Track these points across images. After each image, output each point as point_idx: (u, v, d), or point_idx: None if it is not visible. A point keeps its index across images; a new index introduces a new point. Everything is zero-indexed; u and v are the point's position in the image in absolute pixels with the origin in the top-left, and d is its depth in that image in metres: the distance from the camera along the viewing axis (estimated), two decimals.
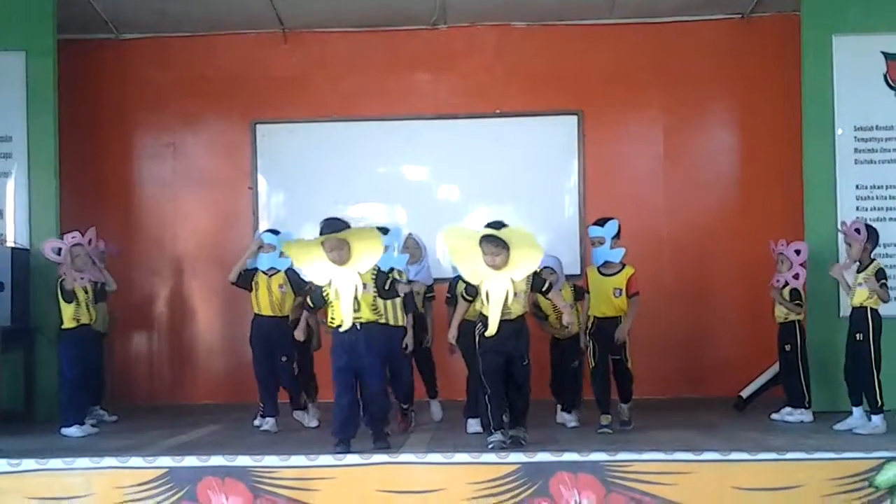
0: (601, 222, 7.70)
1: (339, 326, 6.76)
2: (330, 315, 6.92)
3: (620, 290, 7.59)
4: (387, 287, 6.89)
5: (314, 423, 8.18)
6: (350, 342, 6.79)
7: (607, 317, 7.64)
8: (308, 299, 7.06)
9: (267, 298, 8.13)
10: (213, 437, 7.85)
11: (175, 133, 10.82)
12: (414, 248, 8.32)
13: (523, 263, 6.62)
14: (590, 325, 7.75)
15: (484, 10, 10.35)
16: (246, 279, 8.19)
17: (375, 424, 6.92)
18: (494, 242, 6.60)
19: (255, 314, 8.23)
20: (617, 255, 7.60)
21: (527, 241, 6.60)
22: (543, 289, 6.94)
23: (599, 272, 7.70)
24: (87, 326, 8.10)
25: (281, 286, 8.13)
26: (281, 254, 8.05)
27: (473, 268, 6.70)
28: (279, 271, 8.14)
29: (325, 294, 6.82)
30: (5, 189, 9.20)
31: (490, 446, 6.61)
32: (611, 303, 7.62)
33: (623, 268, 7.64)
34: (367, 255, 6.68)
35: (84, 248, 8.11)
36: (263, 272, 8.16)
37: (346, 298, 6.66)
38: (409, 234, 8.44)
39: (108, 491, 6.12)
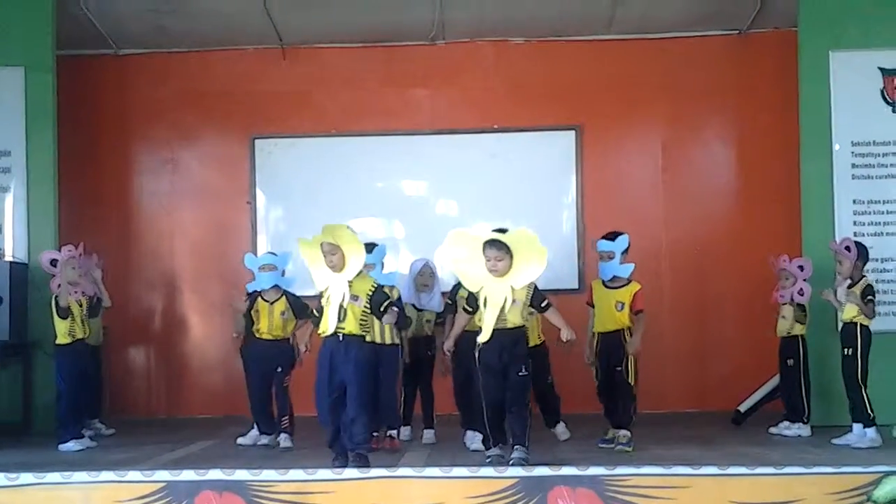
0: (611, 237, 7.61)
1: (327, 335, 6.69)
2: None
3: (623, 304, 7.48)
4: (382, 308, 6.75)
5: (287, 444, 7.95)
6: (330, 353, 6.68)
7: (609, 331, 7.54)
8: (315, 311, 6.99)
9: (267, 324, 8.01)
10: (210, 450, 7.85)
11: (174, 148, 10.84)
12: (429, 277, 8.28)
13: (525, 271, 6.53)
14: (595, 343, 7.66)
15: (482, 26, 10.39)
16: (248, 314, 8.09)
17: (353, 446, 6.68)
18: (498, 247, 6.52)
19: (253, 337, 8.09)
20: (626, 270, 7.51)
21: (531, 248, 6.50)
22: (542, 305, 6.74)
23: (605, 285, 7.61)
24: (81, 341, 8.08)
25: (283, 313, 8.01)
26: (283, 273, 8.07)
27: (473, 274, 6.62)
28: (281, 296, 8.03)
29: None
30: (4, 203, 9.21)
31: (488, 460, 6.59)
32: (613, 317, 7.51)
33: (629, 282, 7.55)
34: (354, 262, 6.64)
35: (78, 262, 8.10)
36: (265, 299, 8.04)
37: (333, 305, 6.60)
38: (426, 262, 8.35)
39: None
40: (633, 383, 7.49)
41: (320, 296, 6.79)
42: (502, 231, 6.75)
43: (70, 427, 7.90)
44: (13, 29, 9.21)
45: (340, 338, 6.65)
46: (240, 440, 8.11)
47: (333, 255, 6.61)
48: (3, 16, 9.22)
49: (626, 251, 7.53)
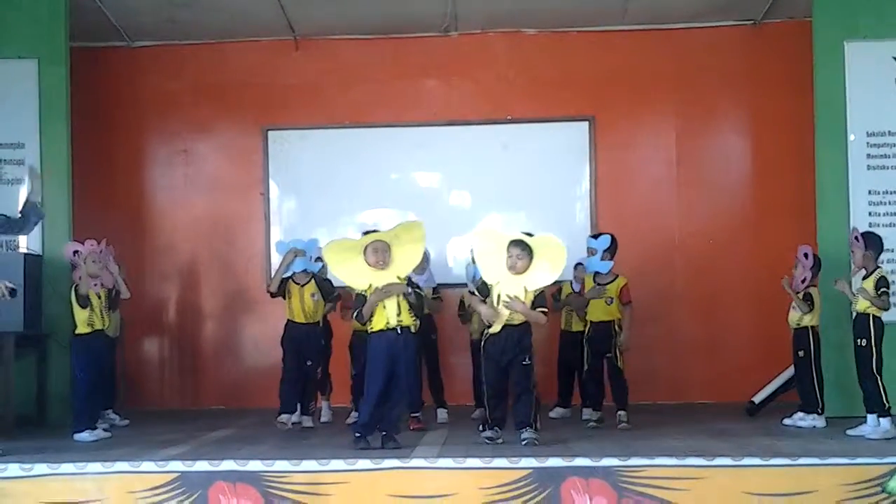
0: (596, 236, 8.54)
1: (382, 330, 6.97)
2: (373, 321, 7.05)
3: (612, 298, 8.22)
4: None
5: (324, 418, 8.44)
6: (389, 346, 6.96)
7: (601, 321, 8.25)
8: (357, 315, 7.11)
9: (300, 306, 8.26)
10: (223, 441, 7.85)
11: (187, 140, 10.85)
12: (423, 261, 8.41)
13: (540, 274, 7.00)
14: (587, 329, 8.38)
15: (495, 17, 10.37)
16: (280, 288, 8.30)
17: (393, 424, 7.06)
18: (522, 247, 7.00)
19: (289, 320, 8.34)
20: (604, 266, 8.23)
21: (552, 254, 6.99)
22: (537, 308, 7.10)
23: (595, 281, 8.29)
24: (100, 332, 8.09)
25: (313, 295, 8.27)
26: (313, 259, 8.26)
27: (493, 268, 7.08)
28: (311, 279, 8.27)
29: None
30: (18, 196, 9.19)
31: (482, 437, 7.06)
32: (604, 309, 8.24)
33: (615, 278, 8.26)
34: (407, 259, 7.08)
35: (98, 255, 8.13)
36: (295, 282, 8.26)
37: (391, 302, 6.93)
38: None
39: (121, 495, 6.12)
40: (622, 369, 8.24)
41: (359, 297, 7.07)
42: (529, 235, 7.23)
43: (85, 417, 7.90)
44: (27, 21, 9.20)
45: (399, 331, 6.98)
46: (305, 423, 8.36)
47: (385, 253, 6.97)
48: (17, 8, 9.21)
49: (608, 250, 8.28)
